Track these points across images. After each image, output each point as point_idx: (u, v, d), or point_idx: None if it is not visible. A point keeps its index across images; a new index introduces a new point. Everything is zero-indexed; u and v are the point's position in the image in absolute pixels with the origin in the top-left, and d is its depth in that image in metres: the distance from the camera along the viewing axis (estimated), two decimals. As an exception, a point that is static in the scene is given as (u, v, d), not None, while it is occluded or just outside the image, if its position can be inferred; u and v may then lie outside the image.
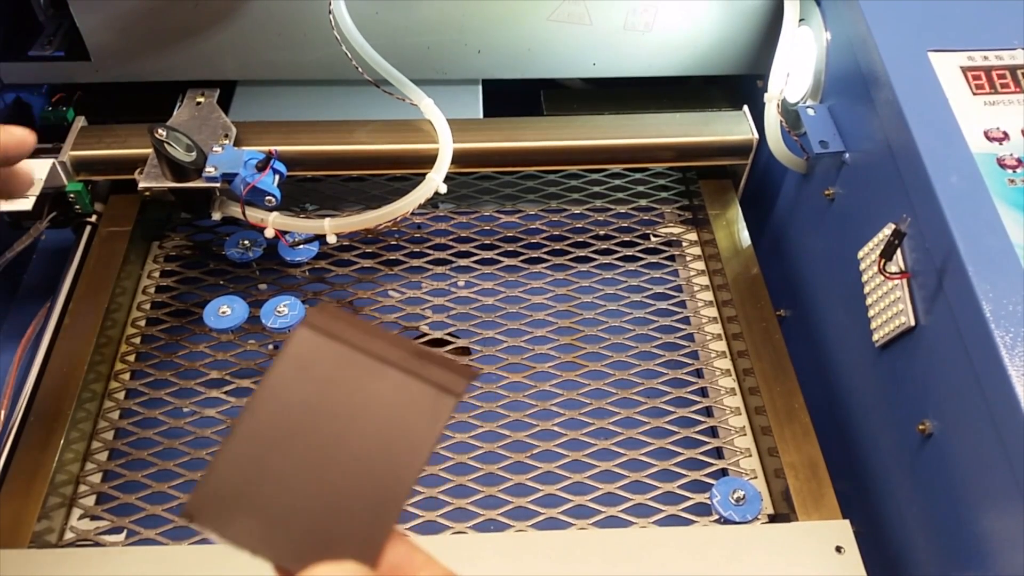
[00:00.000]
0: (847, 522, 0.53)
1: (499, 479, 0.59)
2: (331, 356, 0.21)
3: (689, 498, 0.57)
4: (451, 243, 0.74)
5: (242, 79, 0.78)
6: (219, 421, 0.62)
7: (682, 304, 0.71)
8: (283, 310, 0.65)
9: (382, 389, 0.21)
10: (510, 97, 0.79)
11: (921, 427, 0.51)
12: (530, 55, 0.77)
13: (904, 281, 0.52)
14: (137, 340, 0.67)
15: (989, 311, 0.44)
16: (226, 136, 0.68)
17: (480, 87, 0.79)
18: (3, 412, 0.62)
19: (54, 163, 0.68)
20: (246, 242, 0.71)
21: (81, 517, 0.57)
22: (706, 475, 0.59)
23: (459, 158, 0.70)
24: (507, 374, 0.65)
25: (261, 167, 0.63)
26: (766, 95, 0.69)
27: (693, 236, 0.76)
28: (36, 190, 0.66)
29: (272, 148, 0.65)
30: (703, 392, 0.65)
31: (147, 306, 0.70)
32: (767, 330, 0.65)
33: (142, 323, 0.68)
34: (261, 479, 0.20)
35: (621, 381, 0.65)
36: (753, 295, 0.67)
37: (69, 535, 0.56)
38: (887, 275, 0.53)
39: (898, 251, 0.53)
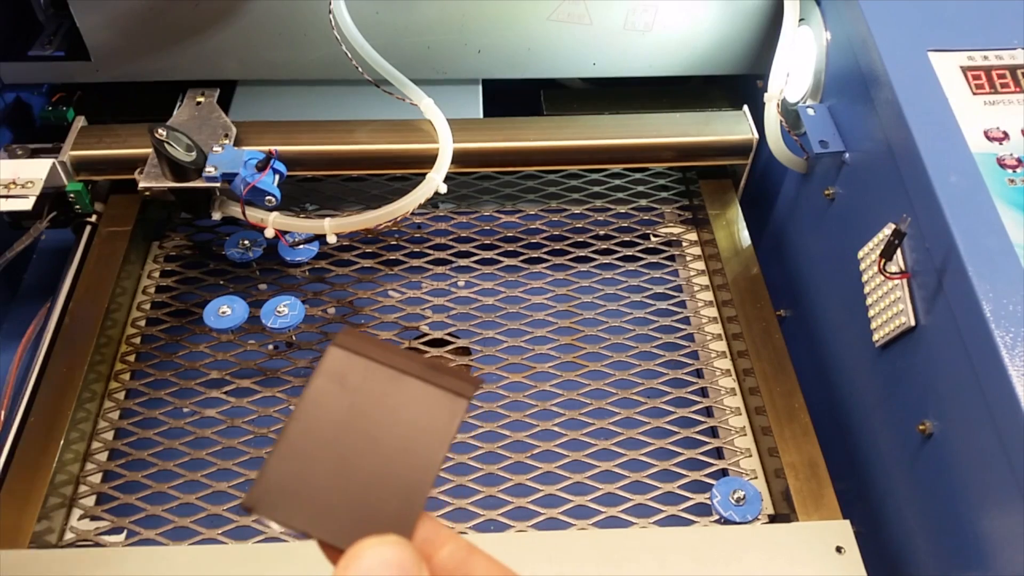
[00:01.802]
0: (847, 522, 0.53)
1: (499, 479, 0.59)
2: (359, 369, 0.25)
3: (689, 498, 0.57)
4: (451, 243, 0.74)
5: (242, 79, 0.78)
6: (219, 421, 0.62)
7: (682, 304, 0.71)
8: (283, 310, 0.65)
9: (404, 395, 0.25)
10: (510, 97, 0.79)
11: (921, 427, 0.51)
12: (530, 55, 0.77)
13: (904, 281, 0.52)
14: (137, 340, 0.67)
15: (989, 311, 0.44)
16: (226, 136, 0.68)
17: (480, 87, 0.79)
18: (3, 412, 0.62)
19: (54, 163, 0.68)
20: (246, 242, 0.71)
21: (81, 517, 0.57)
22: (706, 475, 0.59)
23: (459, 158, 0.70)
24: (507, 374, 0.65)
25: (261, 167, 0.63)
26: (766, 95, 0.69)
27: (693, 236, 0.76)
28: (36, 190, 0.66)
29: (272, 148, 0.65)
30: (703, 392, 0.65)
31: (147, 306, 0.70)
32: (767, 330, 0.65)
33: (142, 323, 0.68)
34: (309, 473, 0.24)
35: (621, 381, 0.64)
36: (753, 295, 0.67)
37: (69, 535, 0.56)
38: (887, 275, 0.53)
39: (898, 251, 0.53)
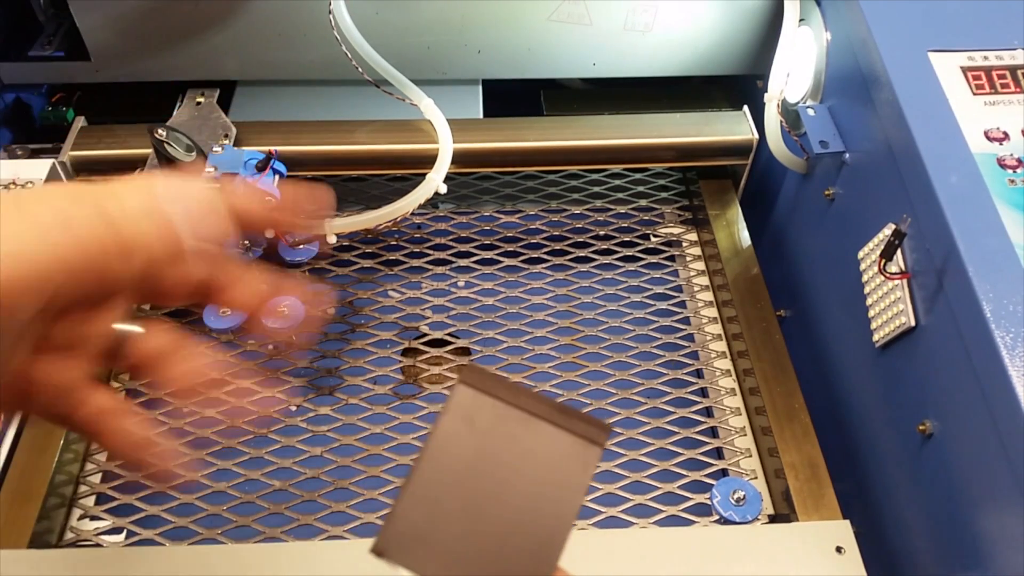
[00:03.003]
0: (847, 522, 0.53)
1: (499, 479, 0.59)
2: (488, 409, 0.24)
3: (689, 498, 0.57)
4: (451, 243, 0.74)
5: (242, 79, 0.78)
6: (219, 421, 0.61)
7: (682, 304, 0.71)
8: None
9: (536, 439, 0.24)
10: (510, 97, 0.79)
11: (921, 427, 0.51)
12: (530, 55, 0.77)
13: (904, 281, 0.52)
14: (137, 340, 0.67)
15: (989, 311, 0.44)
16: (226, 136, 0.68)
17: (480, 87, 0.79)
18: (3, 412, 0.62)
19: (54, 163, 0.68)
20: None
21: (81, 517, 0.57)
22: (706, 475, 0.59)
23: (459, 158, 0.70)
24: (507, 374, 0.64)
25: (261, 167, 0.63)
26: (766, 95, 0.69)
27: (693, 236, 0.76)
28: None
29: (272, 148, 0.65)
30: (703, 392, 0.65)
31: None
32: (767, 330, 0.65)
33: (142, 323, 0.68)
34: (439, 518, 0.23)
35: (621, 381, 0.64)
36: (753, 295, 0.67)
37: (69, 535, 0.56)
38: (887, 275, 0.53)
39: (898, 251, 0.53)
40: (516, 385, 0.25)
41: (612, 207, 0.77)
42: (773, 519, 0.57)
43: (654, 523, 0.56)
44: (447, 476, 0.23)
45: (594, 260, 0.73)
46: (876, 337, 0.56)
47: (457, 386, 0.25)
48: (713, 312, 0.70)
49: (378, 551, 0.23)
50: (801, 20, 0.70)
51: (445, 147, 0.69)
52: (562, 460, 0.24)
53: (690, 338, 0.68)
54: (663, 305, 0.70)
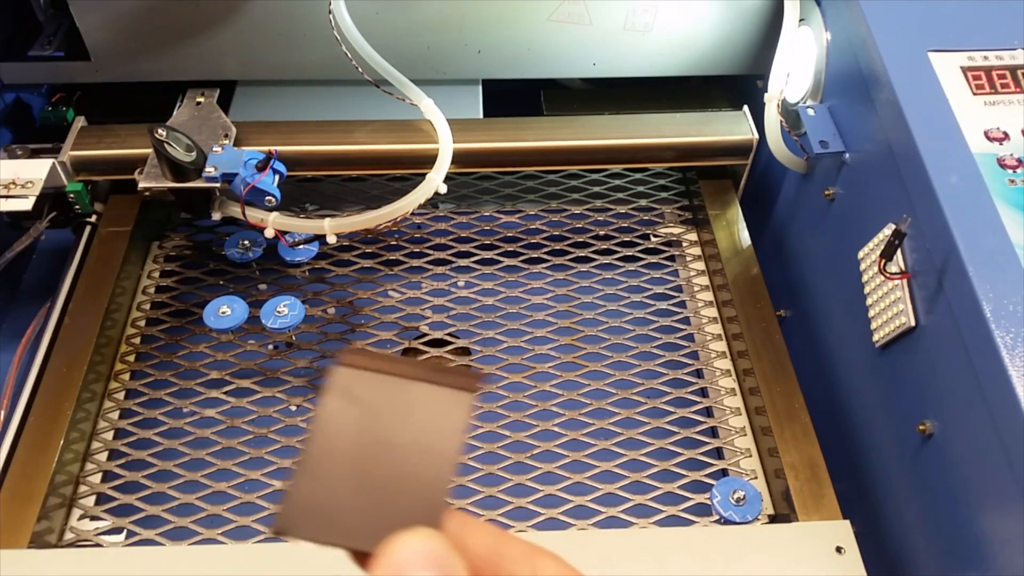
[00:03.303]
0: (847, 522, 0.53)
1: (499, 479, 0.59)
2: (366, 383, 0.26)
3: (689, 498, 0.57)
4: (451, 243, 0.74)
5: (242, 79, 0.78)
6: (219, 421, 0.62)
7: (682, 304, 0.71)
8: (283, 310, 0.65)
9: (413, 400, 0.26)
10: (510, 97, 0.79)
11: (921, 427, 0.51)
12: (530, 55, 0.77)
13: (904, 281, 0.52)
14: (137, 340, 0.67)
15: (989, 311, 0.44)
16: (226, 136, 0.68)
17: (480, 87, 0.79)
18: (3, 412, 0.62)
19: (54, 163, 0.68)
20: (246, 242, 0.71)
21: (81, 517, 0.57)
22: (706, 475, 0.59)
23: (459, 158, 0.70)
24: (507, 374, 0.65)
25: (261, 167, 0.63)
26: (766, 95, 0.69)
27: (693, 236, 0.76)
28: (36, 190, 0.66)
29: (272, 148, 0.65)
30: (703, 392, 0.65)
31: (147, 306, 0.70)
32: (767, 330, 0.65)
33: (142, 323, 0.68)
34: (332, 489, 0.25)
35: (621, 381, 0.64)
36: (753, 295, 0.67)
37: (69, 535, 0.56)
38: (887, 275, 0.53)
39: (898, 251, 0.53)
40: (391, 355, 0.27)
41: (612, 207, 0.77)
42: (773, 519, 0.57)
43: (654, 523, 0.56)
44: (335, 450, 0.25)
45: (594, 260, 0.73)
46: (876, 337, 0.56)
47: (334, 368, 0.26)
48: (713, 312, 0.70)
49: (278, 530, 0.24)
50: (801, 20, 0.70)
51: (445, 147, 0.69)
52: (440, 412, 0.25)
53: (690, 338, 0.68)
54: (663, 305, 0.70)
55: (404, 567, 0.23)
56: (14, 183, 0.67)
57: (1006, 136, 0.52)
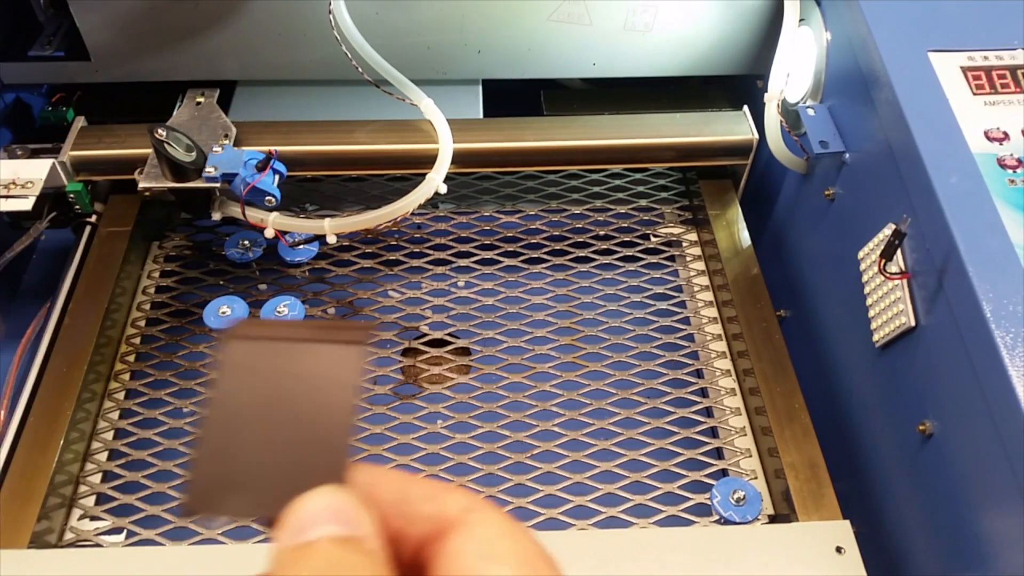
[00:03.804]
0: (847, 522, 0.53)
1: (499, 479, 0.59)
2: (258, 352, 0.26)
3: (689, 499, 0.57)
4: (451, 243, 0.74)
5: (242, 79, 0.78)
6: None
7: (682, 304, 0.71)
8: (283, 310, 0.65)
9: (304, 362, 0.26)
10: (510, 97, 0.79)
11: (921, 427, 0.51)
12: (530, 55, 0.77)
13: (904, 281, 0.52)
14: (137, 340, 0.67)
15: (989, 311, 0.44)
16: (226, 136, 0.68)
17: (480, 87, 0.79)
18: (3, 412, 0.62)
19: (54, 163, 0.68)
20: (246, 242, 0.71)
21: (81, 517, 0.57)
22: (706, 475, 0.59)
23: (459, 158, 0.70)
24: (507, 374, 0.65)
25: (261, 167, 0.63)
26: (766, 95, 0.69)
27: (693, 236, 0.76)
28: (36, 190, 0.66)
29: (272, 148, 0.65)
30: (703, 392, 0.65)
31: (147, 306, 0.70)
32: (767, 330, 0.65)
33: (142, 323, 0.68)
34: (234, 464, 0.24)
35: (621, 381, 0.64)
36: (753, 295, 0.67)
37: (69, 535, 0.56)
38: (887, 275, 0.53)
39: (898, 251, 0.53)
40: (279, 321, 0.27)
41: (612, 207, 0.77)
42: (773, 519, 0.57)
43: (654, 523, 0.56)
44: (233, 424, 0.25)
45: (594, 260, 0.73)
46: (876, 337, 0.56)
47: (226, 342, 0.26)
48: (713, 312, 0.70)
49: (186, 512, 0.24)
50: (801, 20, 0.70)
51: (445, 147, 0.69)
52: (332, 369, 0.25)
53: (690, 338, 0.68)
54: (663, 305, 0.70)
55: (306, 526, 0.22)
56: (14, 183, 0.67)
57: (1006, 136, 0.52)
